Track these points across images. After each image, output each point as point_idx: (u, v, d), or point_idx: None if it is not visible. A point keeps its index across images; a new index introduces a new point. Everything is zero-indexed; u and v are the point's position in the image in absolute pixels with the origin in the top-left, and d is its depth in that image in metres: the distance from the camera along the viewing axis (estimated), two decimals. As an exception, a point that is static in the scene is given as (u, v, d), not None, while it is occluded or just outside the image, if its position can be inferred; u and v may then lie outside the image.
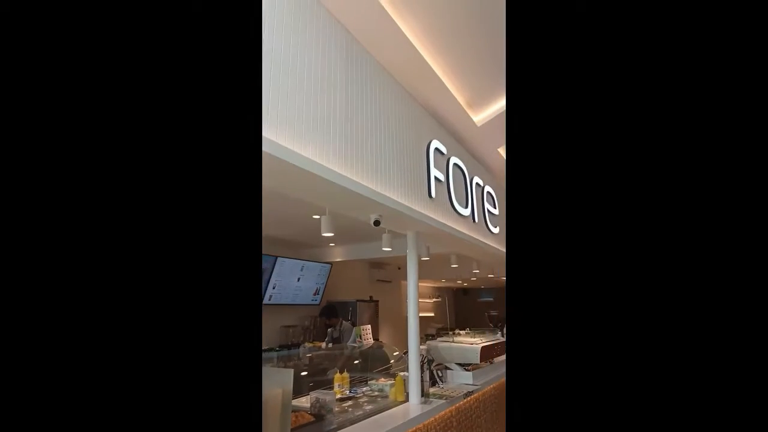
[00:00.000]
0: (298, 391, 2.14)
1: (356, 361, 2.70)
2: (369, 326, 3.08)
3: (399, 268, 6.56)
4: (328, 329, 3.67)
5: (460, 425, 2.34)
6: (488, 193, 3.64)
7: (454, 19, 2.15)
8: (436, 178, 2.61)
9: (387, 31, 2.03)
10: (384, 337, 5.68)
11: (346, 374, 2.34)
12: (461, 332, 3.28)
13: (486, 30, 2.23)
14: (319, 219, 2.23)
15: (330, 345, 3.15)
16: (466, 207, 3.06)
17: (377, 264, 6.22)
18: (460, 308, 9.34)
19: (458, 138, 3.22)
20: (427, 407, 2.06)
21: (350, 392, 2.26)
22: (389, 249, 2.77)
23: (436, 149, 2.67)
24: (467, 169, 3.16)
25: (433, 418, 2.06)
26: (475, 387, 2.56)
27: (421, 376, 2.19)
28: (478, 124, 3.11)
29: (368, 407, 2.01)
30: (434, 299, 8.46)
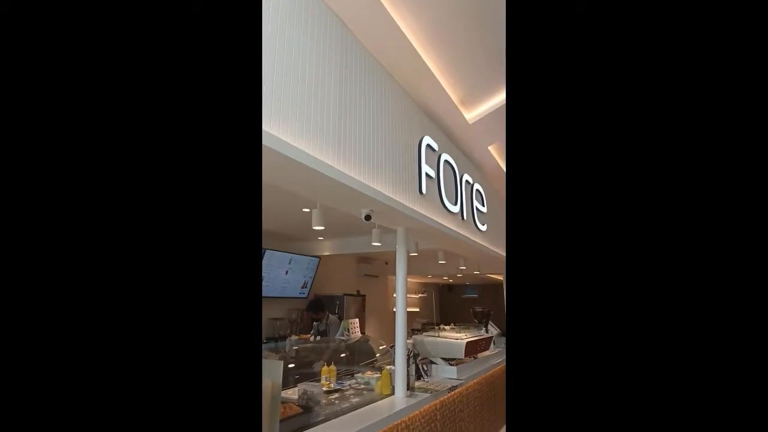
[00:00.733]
0: (286, 383, 2.14)
1: (342, 355, 2.72)
2: (357, 320, 3.10)
3: (386, 263, 6.60)
4: (314, 323, 3.68)
5: (444, 418, 2.38)
6: (477, 190, 3.69)
7: (449, 16, 2.16)
8: (427, 175, 2.63)
9: (383, 25, 2.03)
10: (370, 331, 5.71)
11: (333, 367, 2.36)
12: (446, 327, 3.32)
13: (481, 28, 2.25)
14: (310, 212, 2.23)
15: (317, 338, 3.15)
16: (456, 204, 3.09)
17: (365, 259, 6.24)
18: (444, 304, 9.45)
19: (450, 135, 3.25)
20: (413, 400, 2.09)
21: (337, 385, 2.28)
22: (378, 244, 2.78)
23: (428, 145, 2.69)
24: (457, 167, 3.19)
25: (418, 411, 2.09)
26: (459, 381, 2.61)
27: (408, 370, 2.22)
28: (470, 122, 3.14)
29: (355, 400, 2.03)
30: (420, 294, 8.54)
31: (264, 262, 4.19)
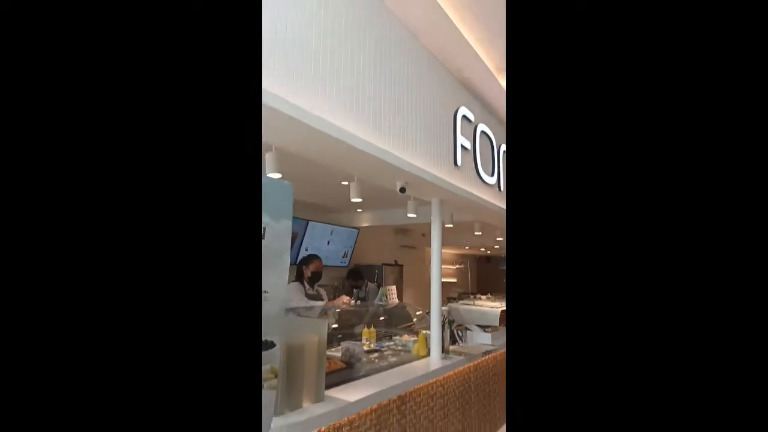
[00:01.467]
0: (329, 342, 2.35)
1: (381, 318, 2.89)
2: (394, 287, 3.25)
3: (423, 235, 6.68)
4: (354, 290, 3.90)
5: (477, 380, 2.51)
6: (516, 161, 3.61)
7: (486, -19, 2.08)
8: (462, 146, 2.63)
9: (416, -5, 2.01)
10: (407, 300, 5.91)
11: (372, 329, 2.53)
12: (482, 296, 3.40)
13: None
14: (348, 185, 2.34)
15: (357, 302, 3.36)
16: (492, 175, 3.07)
17: (402, 230, 6.35)
18: (482, 275, 9.46)
19: (486, 105, 3.18)
20: (447, 362, 2.22)
21: (376, 346, 2.46)
22: (414, 216, 2.86)
23: (464, 116, 2.67)
24: (495, 137, 3.14)
25: (452, 372, 2.23)
26: (493, 347, 2.71)
27: (442, 334, 2.35)
28: (508, 90, 3.04)
29: (393, 359, 2.20)
30: (457, 266, 8.59)
31: (307, 232, 4.44)
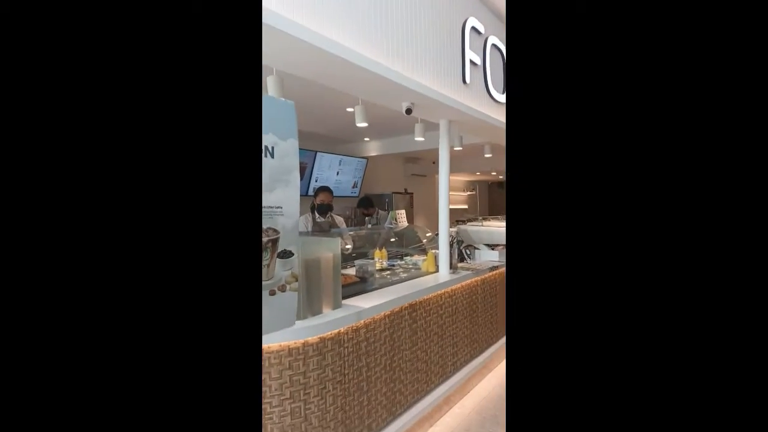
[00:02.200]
0: (345, 263, 2.51)
1: (393, 240, 3.03)
2: (403, 210, 3.35)
3: (433, 163, 6.64)
4: (366, 218, 4.03)
5: (484, 293, 2.69)
6: (528, 77, 3.43)
7: None
8: (471, 62, 2.50)
9: None
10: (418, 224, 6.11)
11: (384, 251, 2.68)
12: (490, 218, 3.48)
13: None
14: (353, 111, 2.30)
15: (369, 226, 3.50)
16: (503, 93, 2.95)
17: (412, 159, 6.31)
18: (493, 201, 9.52)
19: (498, 14, 2.93)
20: (455, 276, 2.37)
21: (388, 264, 2.62)
22: (422, 139, 2.83)
23: (473, 28, 2.49)
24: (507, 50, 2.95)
25: (460, 285, 2.39)
26: (500, 263, 2.85)
27: (450, 252, 2.47)
28: (522, -5, 2.78)
29: (404, 275, 2.36)
30: (468, 192, 8.63)
31: (315, 163, 4.47)
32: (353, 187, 5.20)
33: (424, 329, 2.07)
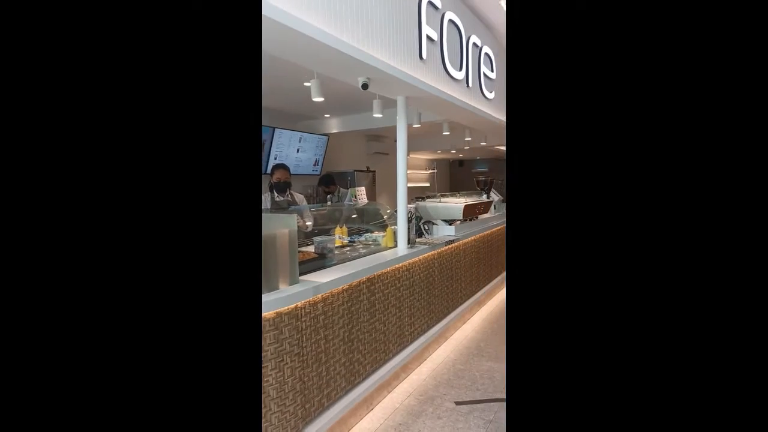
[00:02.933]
0: (304, 241, 2.51)
1: (353, 216, 3.06)
2: (363, 188, 3.36)
3: (395, 141, 6.66)
4: (327, 195, 4.01)
5: (441, 266, 2.80)
6: (486, 54, 3.48)
7: None
8: (428, 37, 2.50)
9: None
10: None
11: (344, 227, 2.70)
12: (448, 194, 3.58)
13: None
14: (309, 86, 2.25)
15: (330, 204, 3.50)
16: (460, 70, 2.98)
17: (375, 137, 6.28)
18: (455, 179, 9.75)
19: (455, -11, 2.93)
20: (413, 251, 2.45)
21: (348, 240, 2.65)
22: (380, 116, 2.83)
23: (429, 2, 2.48)
24: (464, 27, 2.97)
25: (417, 258, 2.47)
26: (456, 237, 2.96)
27: (408, 227, 2.54)
28: (479, -29, 2.79)
29: (363, 251, 2.40)
30: (430, 171, 8.77)
31: (274, 140, 4.34)
32: (315, 165, 5.12)
33: (382, 302, 2.14)
